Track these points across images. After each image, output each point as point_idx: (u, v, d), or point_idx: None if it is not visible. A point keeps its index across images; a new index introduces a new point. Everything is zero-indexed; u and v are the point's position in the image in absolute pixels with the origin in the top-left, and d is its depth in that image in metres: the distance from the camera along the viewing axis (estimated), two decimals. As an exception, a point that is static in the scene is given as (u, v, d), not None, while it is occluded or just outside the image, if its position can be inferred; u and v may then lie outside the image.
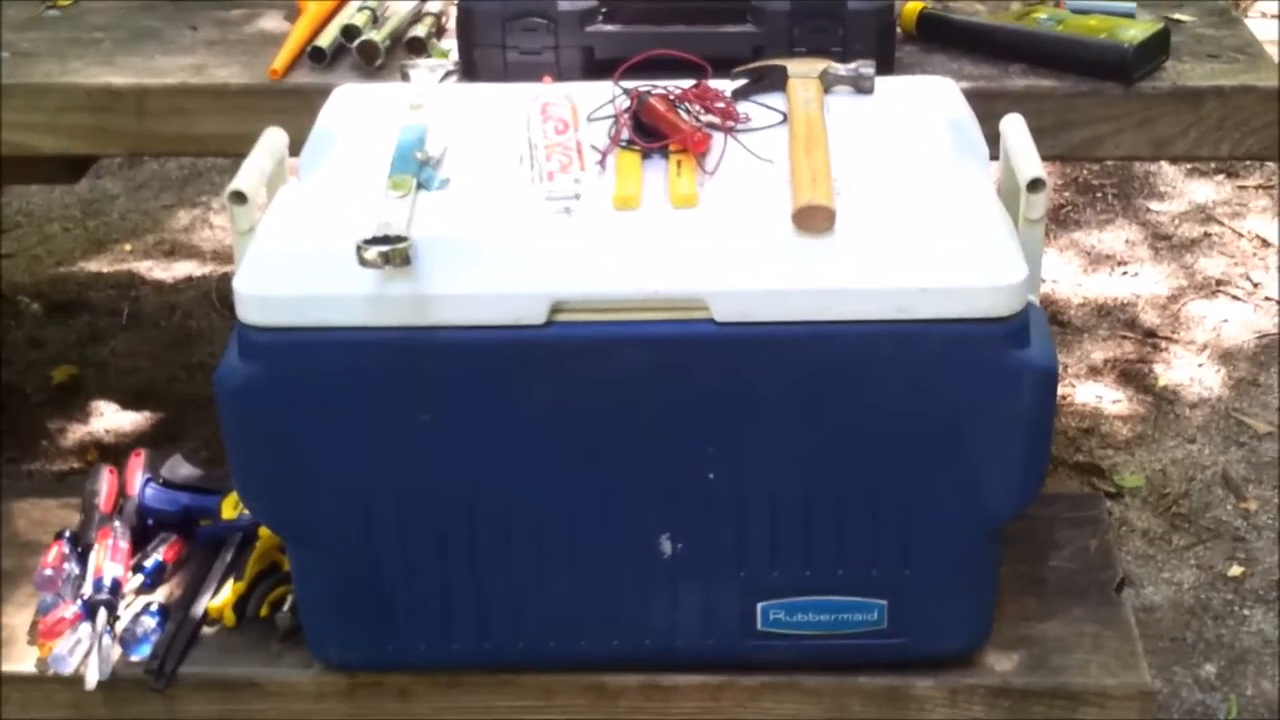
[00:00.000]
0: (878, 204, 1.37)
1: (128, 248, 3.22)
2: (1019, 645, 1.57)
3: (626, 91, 1.50)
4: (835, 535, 1.44)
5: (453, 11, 1.85)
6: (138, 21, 1.96)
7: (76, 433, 2.62)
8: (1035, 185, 1.41)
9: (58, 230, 3.29)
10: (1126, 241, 3.21)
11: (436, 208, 1.37)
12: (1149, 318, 2.94)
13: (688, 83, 1.52)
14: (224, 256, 3.15)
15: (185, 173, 3.52)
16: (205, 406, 2.57)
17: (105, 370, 2.80)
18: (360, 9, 1.88)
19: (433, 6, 1.95)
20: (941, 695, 1.53)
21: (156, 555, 1.67)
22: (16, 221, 3.32)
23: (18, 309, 2.98)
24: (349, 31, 1.83)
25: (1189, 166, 3.46)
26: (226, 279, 2.97)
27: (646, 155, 1.44)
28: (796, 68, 1.56)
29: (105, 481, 1.76)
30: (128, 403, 2.70)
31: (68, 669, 1.55)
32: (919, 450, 1.39)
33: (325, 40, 1.82)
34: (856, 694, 1.54)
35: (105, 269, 3.14)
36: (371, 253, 1.29)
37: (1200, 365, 2.79)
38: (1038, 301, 1.43)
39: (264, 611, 1.61)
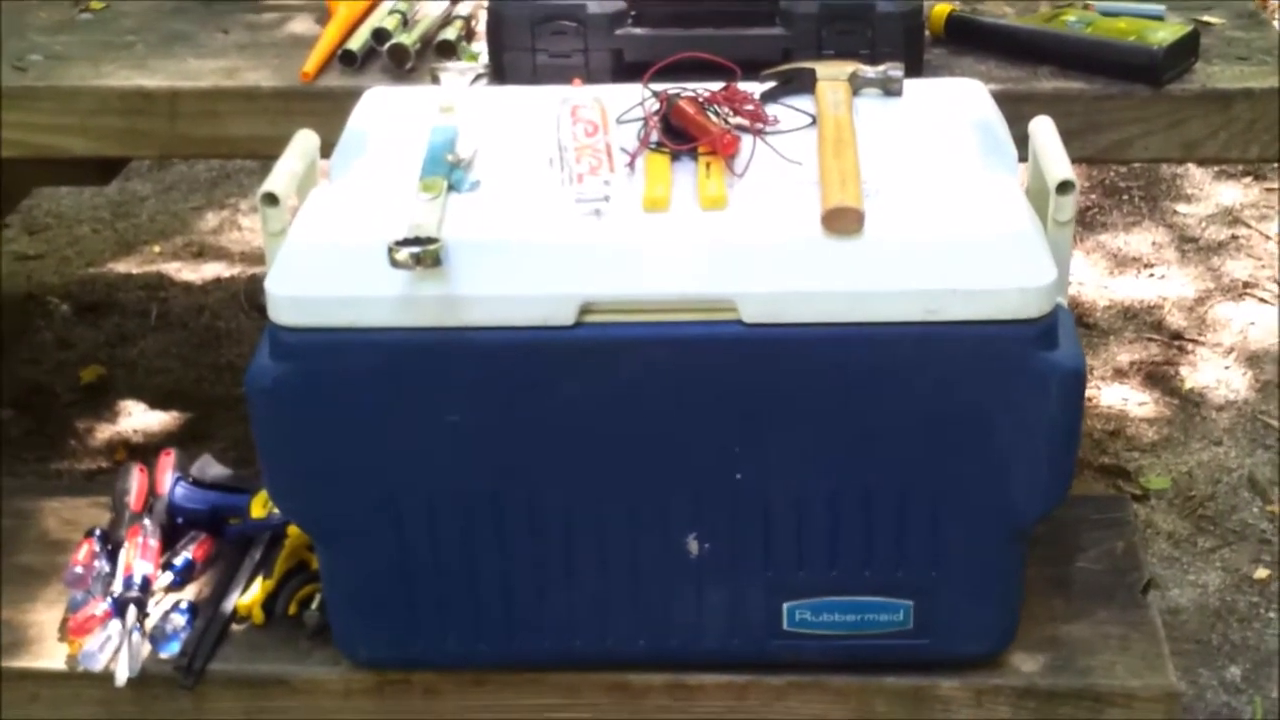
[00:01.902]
0: (907, 206, 1.37)
1: (156, 249, 3.24)
2: (1045, 646, 1.57)
3: (656, 94, 1.51)
4: (862, 536, 1.44)
5: (482, 15, 1.86)
6: (169, 25, 1.97)
7: (105, 433, 2.64)
8: (1064, 187, 1.41)
9: (87, 231, 3.32)
10: (1153, 244, 3.20)
11: (467, 209, 1.38)
12: (1175, 320, 2.93)
13: (717, 85, 1.52)
14: (252, 258, 3.16)
15: (214, 174, 3.53)
16: (233, 407, 2.60)
17: (134, 371, 2.81)
18: (391, 12, 1.89)
19: (463, 10, 1.96)
20: (967, 696, 1.53)
21: (186, 553, 1.68)
22: (46, 223, 3.34)
23: (47, 309, 3.00)
24: (379, 34, 1.84)
25: (1216, 169, 3.45)
26: (255, 280, 2.99)
27: (676, 157, 1.44)
28: (825, 70, 1.57)
29: (135, 480, 1.77)
30: (156, 403, 2.71)
31: (98, 666, 1.56)
32: (946, 451, 1.39)
33: (356, 43, 1.83)
34: (882, 694, 1.54)
35: (134, 270, 3.16)
36: (403, 254, 1.29)
37: (1227, 368, 2.79)
38: (1066, 303, 1.43)
39: (293, 609, 1.62)
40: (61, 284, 3.10)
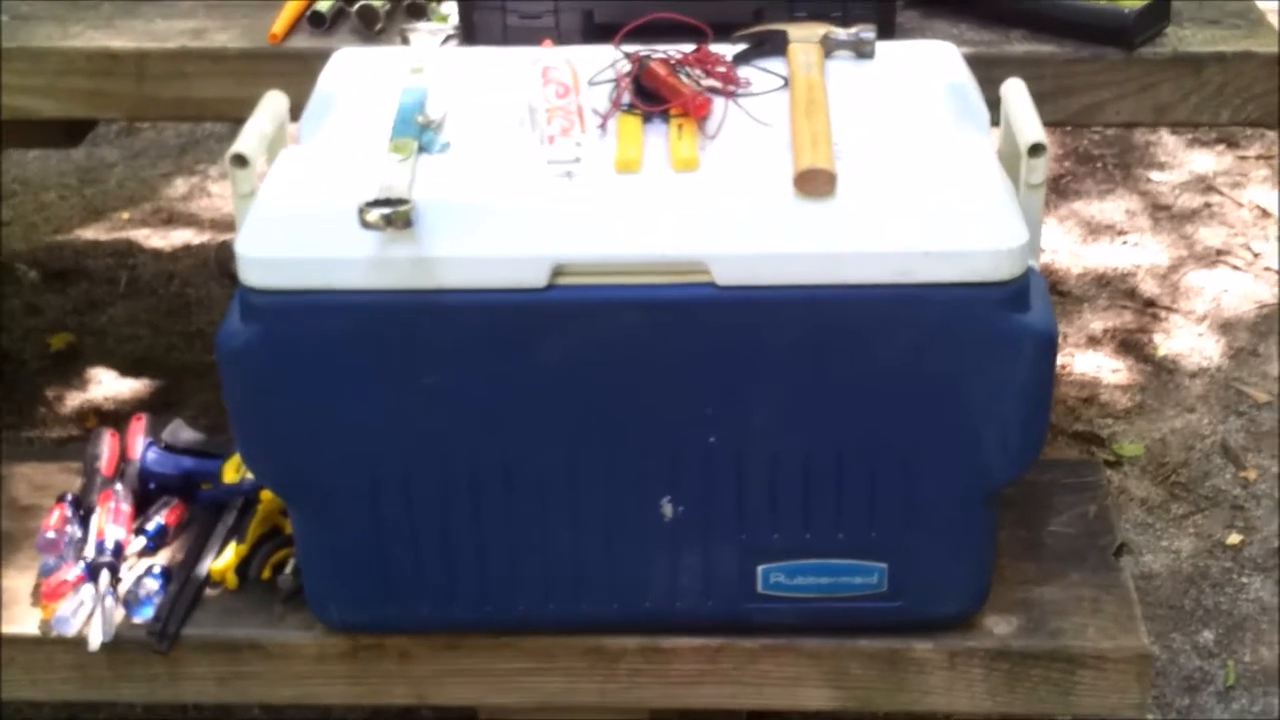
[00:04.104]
0: (878, 168, 1.37)
1: (125, 216, 3.22)
2: (1018, 609, 1.57)
3: (627, 55, 1.50)
4: (835, 498, 1.44)
5: (453, -24, 1.84)
6: (137, -15, 1.95)
7: (75, 400, 2.63)
8: (1036, 150, 1.41)
9: (55, 198, 3.29)
10: (1126, 211, 3.21)
11: (438, 171, 1.37)
12: (1149, 287, 2.94)
13: (689, 47, 1.51)
14: (222, 225, 3.15)
15: (182, 141, 3.51)
16: (204, 374, 2.59)
17: (103, 338, 2.80)
18: (360, -27, 1.87)
19: (432, -29, 1.94)
20: (940, 658, 1.54)
21: (158, 518, 1.67)
22: (13, 189, 3.31)
23: (15, 276, 2.98)
24: (349, -5, 1.82)
25: (1190, 136, 3.45)
26: (225, 247, 2.98)
27: (648, 119, 1.43)
28: (797, 32, 1.56)
29: (106, 445, 1.76)
30: (126, 370, 2.70)
31: (71, 631, 1.55)
32: (919, 414, 1.39)
33: (325, 4, 1.81)
34: (856, 656, 1.54)
35: (103, 237, 3.14)
36: (373, 215, 1.29)
37: (1200, 335, 2.80)
38: (1038, 267, 1.43)
39: (266, 574, 1.61)
40: (29, 250, 3.08)
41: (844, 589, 1.49)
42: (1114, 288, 2.94)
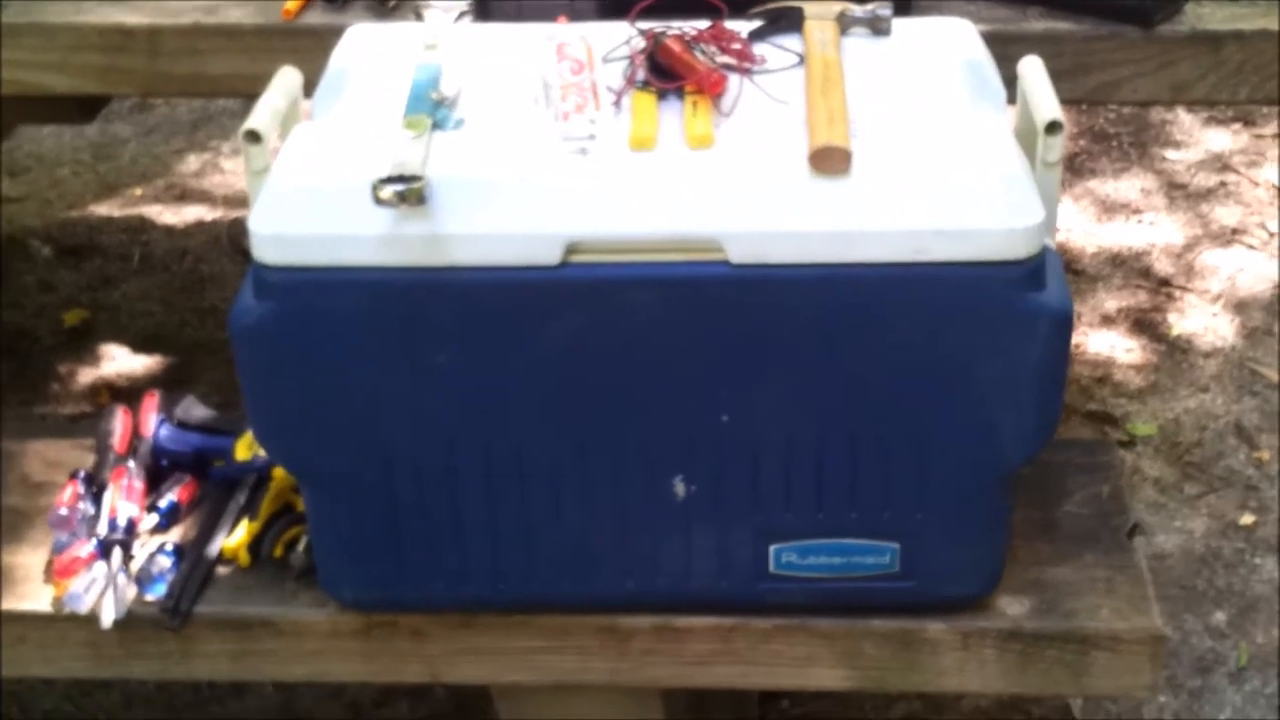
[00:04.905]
0: (894, 146, 1.36)
1: (138, 192, 3.23)
2: (1031, 589, 1.57)
3: (642, 32, 1.49)
4: (848, 478, 1.44)
5: (466, -48, 1.83)
6: (149, -40, 1.95)
7: (88, 376, 2.63)
8: (1053, 127, 1.40)
9: (68, 174, 3.29)
10: (1142, 190, 3.20)
11: (452, 147, 1.36)
12: (1163, 266, 2.93)
13: (704, 24, 1.51)
14: (234, 201, 3.15)
15: (195, 117, 3.51)
16: (217, 351, 2.59)
17: (116, 314, 2.80)
18: (373, -51, 1.86)
19: (446, -53, 1.93)
20: (954, 639, 1.53)
21: (171, 495, 1.67)
22: (27, 165, 3.32)
23: (28, 252, 2.98)
24: (362, -29, 1.82)
25: (1205, 115, 3.44)
26: (238, 223, 2.98)
27: (662, 96, 1.43)
28: (813, 9, 1.55)
29: (119, 421, 1.76)
30: (139, 346, 2.70)
31: (83, 607, 1.55)
32: (933, 393, 1.38)
33: (338, -20, 1.81)
34: (869, 637, 1.54)
35: (116, 213, 3.14)
36: (387, 192, 1.28)
37: (1214, 314, 2.79)
38: (1054, 245, 1.42)
39: (278, 552, 1.61)
40: (43, 226, 3.08)
41: (857, 569, 1.49)
42: (1129, 267, 2.93)
